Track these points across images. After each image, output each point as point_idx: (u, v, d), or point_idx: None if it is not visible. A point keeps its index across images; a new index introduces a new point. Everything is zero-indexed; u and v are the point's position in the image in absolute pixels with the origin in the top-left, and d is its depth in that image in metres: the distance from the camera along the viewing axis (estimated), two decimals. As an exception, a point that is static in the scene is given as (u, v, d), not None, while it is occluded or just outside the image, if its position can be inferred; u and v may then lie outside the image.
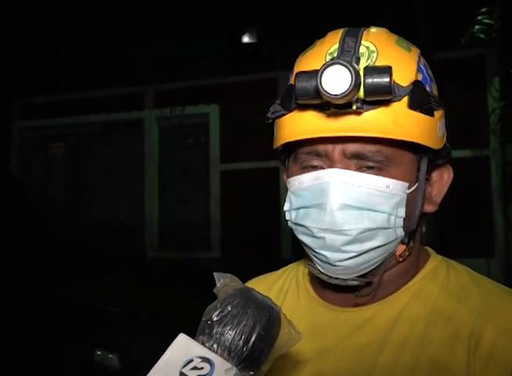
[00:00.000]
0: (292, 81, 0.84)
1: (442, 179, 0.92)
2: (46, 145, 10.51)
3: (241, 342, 0.63)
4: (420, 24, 5.71)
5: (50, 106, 10.17)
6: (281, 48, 8.67)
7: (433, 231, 5.06)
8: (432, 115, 0.83)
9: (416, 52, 0.87)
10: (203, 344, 0.63)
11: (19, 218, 6.79)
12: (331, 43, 0.83)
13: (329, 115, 0.79)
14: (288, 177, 0.90)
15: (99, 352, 3.45)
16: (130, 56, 10.03)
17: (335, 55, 0.80)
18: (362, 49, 0.81)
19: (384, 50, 0.82)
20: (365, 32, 0.84)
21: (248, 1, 9.31)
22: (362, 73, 0.74)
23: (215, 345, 0.63)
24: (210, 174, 9.35)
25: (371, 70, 0.75)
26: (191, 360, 0.62)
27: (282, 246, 8.57)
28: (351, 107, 0.77)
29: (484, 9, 7.51)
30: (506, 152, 7.63)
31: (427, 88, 0.84)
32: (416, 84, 0.81)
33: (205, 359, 0.62)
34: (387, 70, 0.74)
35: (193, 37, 9.85)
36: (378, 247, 0.83)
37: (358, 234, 0.80)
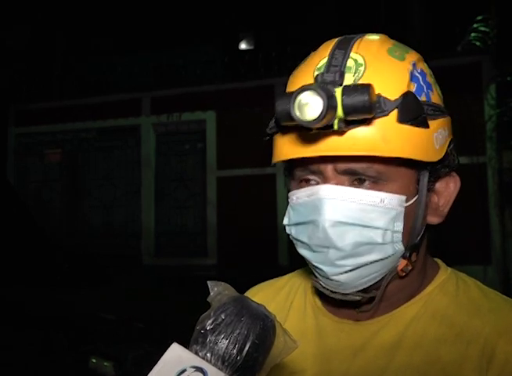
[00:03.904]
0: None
1: (448, 189, 0.89)
2: (43, 151, 10.50)
3: (235, 351, 0.61)
4: (417, 32, 5.74)
5: (47, 112, 10.16)
6: (278, 54, 8.69)
7: (429, 238, 5.06)
8: (426, 126, 0.80)
9: (410, 59, 0.83)
10: (196, 353, 0.62)
11: (16, 224, 6.76)
12: (320, 57, 0.82)
13: (314, 135, 0.77)
14: (289, 190, 0.90)
15: (94, 360, 3.44)
16: (127, 63, 10.05)
17: (322, 70, 0.79)
18: (349, 63, 0.79)
19: (372, 62, 0.80)
20: (356, 42, 0.82)
21: (245, 8, 9.34)
22: (340, 93, 0.72)
23: (209, 354, 0.62)
24: (206, 180, 9.35)
25: (349, 90, 0.73)
26: (184, 370, 0.61)
27: (279, 252, 8.56)
28: (333, 128, 0.75)
29: (480, 17, 7.56)
30: (502, 159, 7.66)
31: (423, 98, 0.81)
32: (407, 96, 0.78)
33: (198, 369, 0.61)
34: (366, 90, 0.72)
35: (190, 43, 9.88)
36: (374, 261, 0.81)
37: (351, 250, 0.79)
